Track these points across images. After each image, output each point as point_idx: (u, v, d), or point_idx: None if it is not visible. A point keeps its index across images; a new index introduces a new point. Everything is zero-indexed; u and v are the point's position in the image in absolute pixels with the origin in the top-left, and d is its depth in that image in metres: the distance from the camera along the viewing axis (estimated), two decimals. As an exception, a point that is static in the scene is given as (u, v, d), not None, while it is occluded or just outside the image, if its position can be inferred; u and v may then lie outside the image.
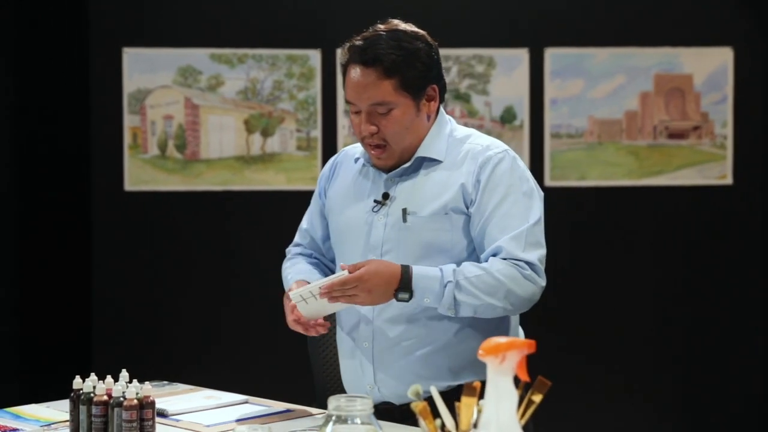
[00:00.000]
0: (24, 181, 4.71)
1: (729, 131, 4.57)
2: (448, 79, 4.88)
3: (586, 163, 4.58)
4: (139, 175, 4.52)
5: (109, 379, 2.23)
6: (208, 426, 2.29)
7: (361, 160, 2.48)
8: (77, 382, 2.25)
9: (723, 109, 4.57)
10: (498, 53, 4.55)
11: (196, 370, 4.15)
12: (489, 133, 4.55)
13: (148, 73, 4.53)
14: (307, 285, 2.32)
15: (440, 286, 2.27)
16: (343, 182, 2.51)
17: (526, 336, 1.58)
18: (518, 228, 2.31)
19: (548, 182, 4.54)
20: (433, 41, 2.40)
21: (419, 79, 2.34)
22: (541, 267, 2.32)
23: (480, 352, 1.49)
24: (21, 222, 4.71)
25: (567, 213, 4.58)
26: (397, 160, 2.39)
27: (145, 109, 4.54)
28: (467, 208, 2.35)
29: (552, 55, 4.55)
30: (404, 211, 2.36)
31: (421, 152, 2.39)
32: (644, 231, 4.60)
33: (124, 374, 2.25)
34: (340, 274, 2.25)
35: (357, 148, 2.52)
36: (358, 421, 1.55)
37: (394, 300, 2.29)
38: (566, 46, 4.55)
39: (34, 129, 4.71)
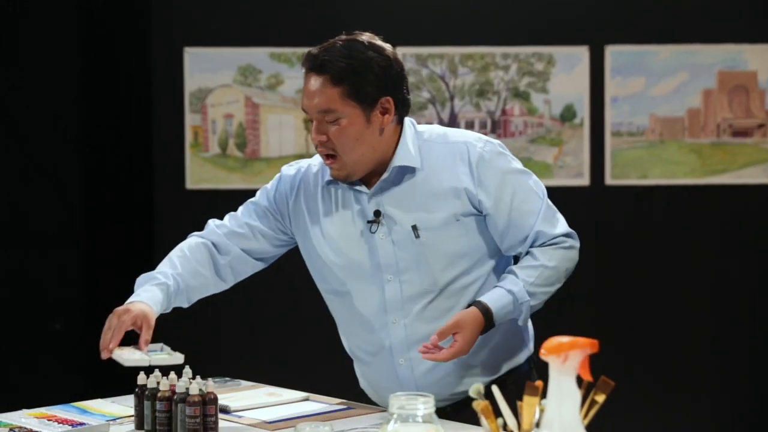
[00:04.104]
0: (89, 180, 4.79)
1: (794, 129, 4.50)
2: (507, 76, 4.84)
3: (648, 161, 4.53)
4: (201, 174, 4.57)
5: (172, 375, 2.26)
6: (269, 422, 2.31)
7: (339, 183, 2.40)
8: (141, 377, 2.28)
9: (788, 106, 4.50)
10: (558, 51, 4.53)
11: (257, 367, 4.18)
12: (548, 131, 4.55)
13: (209, 72, 4.57)
14: (135, 351, 2.25)
15: (516, 311, 2.33)
16: (316, 204, 2.44)
17: (593, 334, 1.58)
18: (539, 207, 2.36)
19: (609, 181, 4.50)
20: (394, 54, 2.34)
21: (370, 89, 2.29)
22: (570, 230, 2.40)
23: (542, 351, 1.49)
24: (86, 221, 4.79)
25: (628, 212, 4.54)
26: (349, 172, 2.33)
27: (206, 108, 4.59)
28: (476, 209, 2.35)
29: (613, 52, 4.51)
30: (414, 228, 2.33)
31: (397, 162, 2.34)
32: (707, 230, 4.54)
33: (188, 371, 2.28)
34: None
35: (316, 168, 2.46)
36: (419, 419, 1.55)
37: (418, 322, 2.36)
38: (627, 44, 4.51)
39: (99, 129, 4.78)
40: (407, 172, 2.36)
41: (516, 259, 2.44)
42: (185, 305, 2.48)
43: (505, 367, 2.43)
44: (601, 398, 1.60)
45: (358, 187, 2.37)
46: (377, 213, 2.35)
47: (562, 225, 2.38)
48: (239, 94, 4.59)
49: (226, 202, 2.61)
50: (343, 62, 2.27)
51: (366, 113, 2.30)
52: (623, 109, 4.53)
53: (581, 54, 4.52)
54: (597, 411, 1.60)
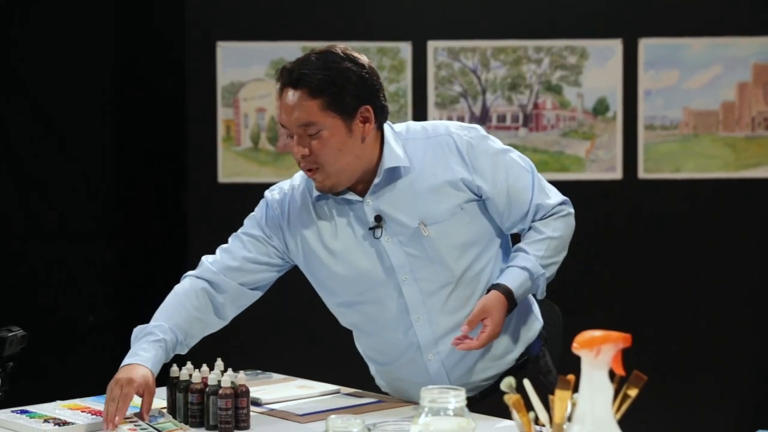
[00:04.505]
0: (121, 173, 4.82)
1: (831, 122, 4.45)
2: (539, 70, 4.82)
3: (681, 155, 4.50)
4: (233, 167, 4.58)
5: (204, 367, 2.28)
6: (301, 415, 2.32)
7: (329, 197, 2.40)
8: (174, 370, 2.30)
9: (824, 99, 4.45)
10: (590, 44, 4.50)
11: (288, 360, 4.20)
12: (581, 125, 4.52)
13: (242, 66, 4.59)
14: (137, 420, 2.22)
15: (534, 286, 2.38)
16: (311, 222, 2.42)
17: (624, 328, 1.57)
18: (531, 180, 2.41)
19: (642, 174, 4.48)
20: (369, 64, 2.33)
21: (349, 99, 2.28)
22: (564, 197, 2.45)
23: (575, 345, 1.48)
24: (119, 214, 4.82)
25: (661, 206, 4.50)
26: (334, 182, 2.32)
27: (238, 102, 4.60)
28: (475, 194, 2.38)
29: (646, 45, 4.48)
30: (421, 225, 2.34)
31: (387, 164, 2.34)
32: (741, 224, 4.51)
33: (219, 363, 2.30)
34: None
35: (301, 187, 2.46)
36: (451, 413, 1.55)
37: (441, 315, 2.38)
38: (661, 36, 4.48)
39: (132, 123, 4.82)
40: (397, 172, 2.36)
41: (516, 235, 2.47)
42: (184, 352, 2.44)
43: (523, 338, 2.48)
44: (633, 393, 1.59)
45: (348, 196, 2.37)
46: (378, 218, 2.35)
47: (555, 194, 2.44)
48: (271, 88, 4.60)
49: (257, 195, 2.62)
50: (320, 74, 2.26)
51: (347, 123, 2.29)
52: (657, 102, 4.50)
53: (614, 47, 4.49)
54: (629, 405, 1.59)
